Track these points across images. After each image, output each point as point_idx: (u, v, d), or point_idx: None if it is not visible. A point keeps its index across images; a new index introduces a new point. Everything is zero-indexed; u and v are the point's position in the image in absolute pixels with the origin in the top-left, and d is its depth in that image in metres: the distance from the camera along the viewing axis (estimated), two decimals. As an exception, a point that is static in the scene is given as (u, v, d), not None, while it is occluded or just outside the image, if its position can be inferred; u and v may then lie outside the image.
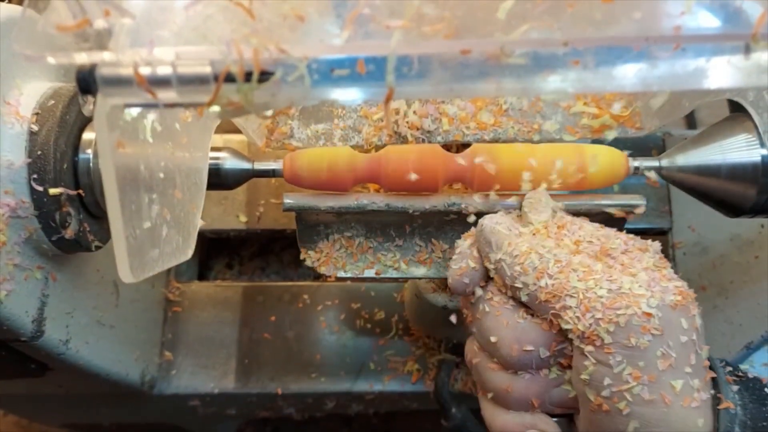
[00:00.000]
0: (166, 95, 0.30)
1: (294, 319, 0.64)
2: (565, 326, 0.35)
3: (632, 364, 0.33)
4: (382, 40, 0.28)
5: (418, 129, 0.48)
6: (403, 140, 0.47)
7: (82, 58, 0.29)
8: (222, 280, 0.70)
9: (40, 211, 0.38)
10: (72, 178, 0.39)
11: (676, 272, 0.60)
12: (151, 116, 0.33)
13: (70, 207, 0.39)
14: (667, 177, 0.44)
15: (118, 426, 0.74)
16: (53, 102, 0.39)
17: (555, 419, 0.38)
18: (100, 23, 0.29)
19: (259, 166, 0.44)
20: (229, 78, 0.29)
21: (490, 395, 0.39)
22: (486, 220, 0.39)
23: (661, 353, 0.32)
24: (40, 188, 0.37)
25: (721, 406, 0.33)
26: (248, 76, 0.29)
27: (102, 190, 0.31)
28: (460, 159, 0.43)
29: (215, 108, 0.31)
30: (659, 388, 0.32)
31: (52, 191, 0.37)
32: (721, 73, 0.29)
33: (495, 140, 0.48)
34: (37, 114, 0.38)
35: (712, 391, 0.34)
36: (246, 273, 0.74)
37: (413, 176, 0.42)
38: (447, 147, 0.46)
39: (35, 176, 0.37)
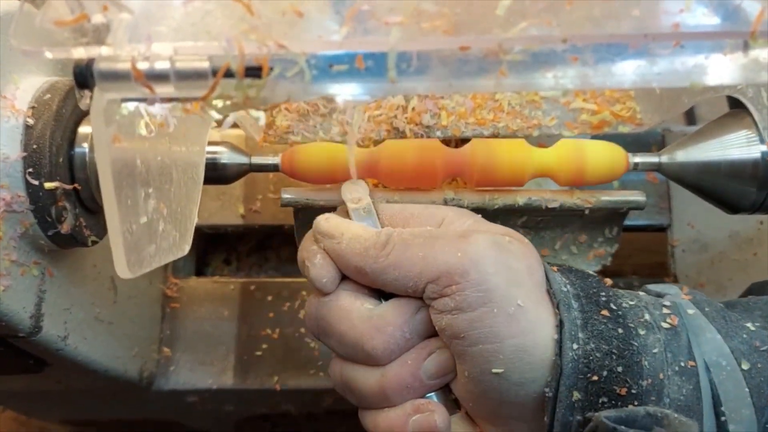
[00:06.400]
0: (164, 90, 0.30)
1: (292, 316, 0.64)
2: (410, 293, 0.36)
3: (461, 307, 0.34)
4: (381, 36, 0.28)
5: (416, 124, 0.48)
6: (402, 135, 0.47)
7: (80, 53, 0.29)
8: (220, 276, 0.70)
9: (35, 205, 0.38)
10: (68, 172, 0.39)
11: (674, 269, 0.61)
12: (149, 110, 0.33)
13: (66, 201, 0.39)
14: (667, 173, 0.44)
15: (117, 422, 0.75)
16: (49, 96, 0.38)
17: (434, 394, 0.37)
18: (98, 18, 0.29)
19: (257, 160, 0.44)
20: (228, 73, 0.29)
21: (367, 405, 0.38)
22: (318, 217, 0.39)
23: (478, 293, 0.34)
24: (36, 182, 0.37)
25: (552, 288, 0.36)
26: (247, 72, 0.29)
27: (98, 184, 0.30)
28: (459, 154, 0.43)
29: (217, 103, 0.31)
30: (491, 323, 0.34)
31: (48, 185, 0.37)
32: (720, 70, 0.29)
33: (494, 135, 0.48)
34: (33, 108, 0.38)
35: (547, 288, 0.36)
36: (244, 269, 0.73)
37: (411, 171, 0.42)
38: (446, 142, 0.46)
39: (31, 170, 0.37)
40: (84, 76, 0.29)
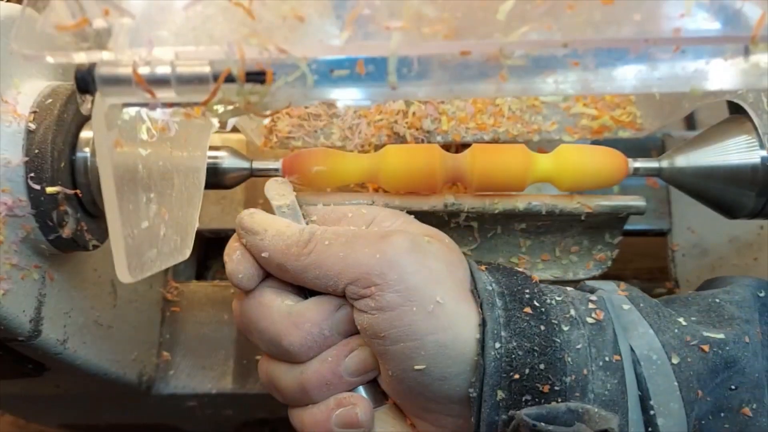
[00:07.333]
0: (165, 95, 0.30)
1: (292, 320, 0.64)
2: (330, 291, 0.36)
3: (380, 307, 0.34)
4: (382, 40, 0.28)
5: (417, 129, 0.48)
6: (402, 140, 0.47)
7: (81, 58, 0.29)
8: (220, 280, 0.70)
9: (37, 209, 0.38)
10: (69, 176, 0.39)
11: (674, 274, 0.61)
12: (150, 115, 0.33)
13: (67, 206, 0.39)
14: (667, 178, 0.44)
15: (116, 426, 0.74)
16: (51, 100, 0.39)
17: (361, 387, 0.37)
18: (99, 23, 0.29)
19: (258, 165, 0.44)
20: (229, 78, 0.29)
21: (291, 403, 0.39)
22: (243, 212, 0.39)
23: (397, 292, 0.34)
24: (38, 187, 0.37)
25: (477, 287, 0.36)
26: (248, 77, 0.29)
27: (99, 189, 0.30)
28: (459, 159, 0.43)
29: (218, 108, 0.31)
30: (410, 321, 0.34)
31: (50, 190, 0.37)
32: (721, 75, 0.29)
33: (494, 140, 0.48)
34: (34, 112, 0.38)
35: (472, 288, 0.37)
36: (244, 273, 0.73)
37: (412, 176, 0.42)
38: (446, 147, 0.46)
39: (32, 175, 0.37)
40: (85, 81, 0.29)
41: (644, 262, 0.69)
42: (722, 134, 0.42)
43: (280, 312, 0.37)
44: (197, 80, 0.29)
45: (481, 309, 0.35)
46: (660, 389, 0.34)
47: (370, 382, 0.38)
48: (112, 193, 0.30)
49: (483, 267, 0.38)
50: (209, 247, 0.74)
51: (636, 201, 0.44)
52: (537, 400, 0.33)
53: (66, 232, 0.39)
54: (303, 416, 0.38)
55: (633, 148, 0.47)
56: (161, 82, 0.29)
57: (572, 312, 0.36)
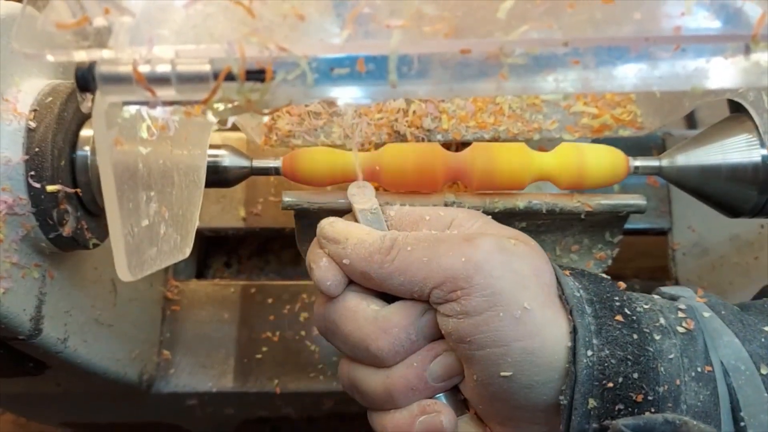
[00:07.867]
0: (165, 93, 0.30)
1: (293, 319, 0.64)
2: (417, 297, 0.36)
3: (466, 312, 0.34)
4: (383, 39, 0.28)
5: (417, 127, 0.48)
6: (402, 139, 0.47)
7: (81, 56, 0.29)
8: (220, 279, 0.70)
9: (37, 208, 0.38)
10: (70, 175, 0.39)
11: (675, 273, 0.61)
12: (150, 113, 0.33)
13: (67, 204, 0.39)
14: (668, 177, 0.44)
15: (116, 425, 0.74)
16: (51, 99, 0.39)
17: (442, 395, 0.37)
18: (99, 21, 0.29)
19: (258, 163, 0.44)
20: (229, 77, 0.29)
21: (374, 407, 0.38)
22: (322, 221, 0.39)
23: (483, 297, 0.34)
24: (38, 185, 0.37)
25: (565, 293, 0.35)
26: (248, 75, 0.29)
27: (99, 187, 0.30)
28: (460, 157, 0.43)
29: (219, 106, 0.31)
30: (497, 327, 0.34)
31: (50, 188, 0.37)
32: (721, 73, 0.29)
33: (494, 139, 0.48)
34: (35, 111, 0.38)
35: (559, 293, 0.36)
36: (244, 272, 0.73)
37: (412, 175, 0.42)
38: (447, 146, 0.46)
39: (33, 173, 0.37)
40: (86, 80, 0.29)
41: (644, 261, 0.69)
42: (723, 133, 0.42)
43: (366, 317, 0.37)
44: (197, 78, 0.29)
45: (571, 315, 0.34)
46: (750, 401, 0.34)
47: (451, 390, 0.38)
48: (112, 191, 0.30)
49: (567, 272, 0.38)
50: (209, 246, 0.74)
51: (636, 200, 0.44)
52: (630, 409, 0.33)
53: (66, 230, 0.39)
54: (385, 421, 0.38)
55: (633, 146, 0.47)
56: (161, 80, 0.29)
57: (662, 321, 0.35)
